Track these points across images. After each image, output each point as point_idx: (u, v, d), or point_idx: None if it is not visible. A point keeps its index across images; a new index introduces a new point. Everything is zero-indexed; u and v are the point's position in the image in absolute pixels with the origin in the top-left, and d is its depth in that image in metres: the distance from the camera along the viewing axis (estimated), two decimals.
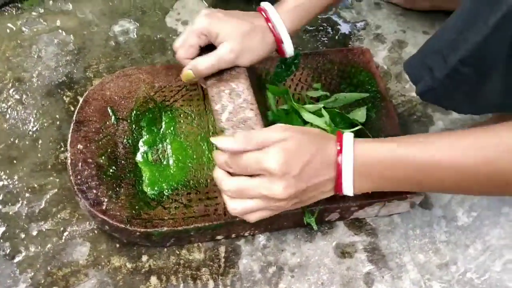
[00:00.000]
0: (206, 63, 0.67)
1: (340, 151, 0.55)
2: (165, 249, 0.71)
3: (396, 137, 0.59)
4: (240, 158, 0.55)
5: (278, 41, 0.69)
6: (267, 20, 0.69)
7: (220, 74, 0.70)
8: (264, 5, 0.70)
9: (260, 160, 0.53)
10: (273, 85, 0.77)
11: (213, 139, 0.56)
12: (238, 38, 0.66)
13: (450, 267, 0.72)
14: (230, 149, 0.55)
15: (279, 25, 0.68)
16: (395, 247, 0.73)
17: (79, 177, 0.68)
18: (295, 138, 0.54)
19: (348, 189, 0.57)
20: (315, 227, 0.69)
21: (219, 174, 0.57)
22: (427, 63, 0.63)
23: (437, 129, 0.86)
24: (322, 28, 0.98)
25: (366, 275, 0.71)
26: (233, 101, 0.68)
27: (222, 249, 0.71)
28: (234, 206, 0.56)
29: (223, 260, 0.71)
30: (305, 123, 0.72)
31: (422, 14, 1.01)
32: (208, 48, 0.68)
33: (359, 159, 0.55)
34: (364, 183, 0.57)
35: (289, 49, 0.71)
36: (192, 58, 0.68)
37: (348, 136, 0.57)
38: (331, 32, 0.97)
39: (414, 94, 0.89)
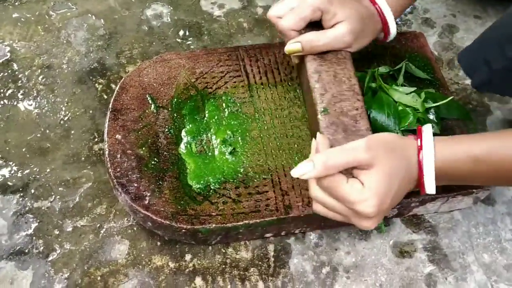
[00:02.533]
0: (324, 40, 0.63)
1: (420, 148, 0.53)
2: (210, 248, 0.65)
3: (473, 134, 0.56)
4: (330, 189, 0.51)
5: (386, 26, 0.67)
6: (373, 3, 0.66)
7: (323, 53, 0.65)
8: None
9: (352, 202, 0.50)
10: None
11: (292, 171, 0.52)
12: (358, 21, 0.62)
13: None
14: (309, 177, 0.51)
15: (386, 9, 0.66)
16: (457, 246, 0.68)
17: (118, 169, 0.63)
18: (382, 164, 0.50)
19: (430, 187, 0.53)
20: (383, 229, 0.63)
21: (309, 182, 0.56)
22: (483, 55, 0.62)
23: (495, 119, 0.80)
24: None
25: (427, 277, 0.65)
26: (338, 85, 0.63)
27: (271, 247, 0.66)
28: (319, 210, 0.56)
29: (272, 259, 0.65)
30: (395, 102, 0.68)
31: None
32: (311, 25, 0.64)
33: (439, 156, 0.53)
34: (444, 180, 0.54)
35: (393, 33, 0.69)
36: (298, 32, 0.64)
37: (427, 132, 0.54)
38: None
39: (468, 82, 0.83)
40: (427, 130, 0.54)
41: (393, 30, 0.68)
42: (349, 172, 0.52)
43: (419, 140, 0.53)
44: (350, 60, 0.66)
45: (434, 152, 0.52)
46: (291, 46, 0.64)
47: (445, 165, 0.52)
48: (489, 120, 0.80)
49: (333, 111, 0.61)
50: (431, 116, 0.66)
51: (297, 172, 0.51)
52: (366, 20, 0.64)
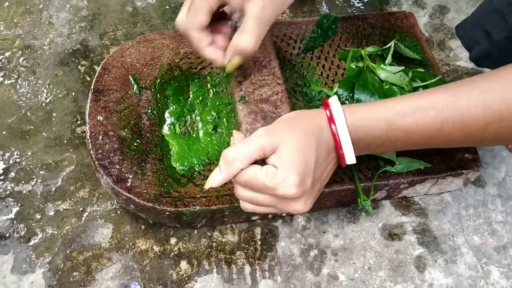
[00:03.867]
0: (251, 39, 0.53)
1: (331, 118, 0.50)
2: (195, 231, 0.64)
3: (391, 98, 0.53)
4: (247, 182, 0.48)
5: None
6: None
7: None
8: None
9: (272, 188, 0.47)
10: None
11: (205, 185, 0.49)
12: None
13: (509, 250, 0.65)
14: (218, 182, 0.48)
15: None
16: (447, 228, 0.67)
17: (100, 151, 0.61)
18: (287, 140, 0.48)
19: (350, 156, 0.51)
20: (371, 211, 0.62)
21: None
22: (483, 25, 0.58)
23: None
24: None
25: (417, 259, 0.64)
26: (258, 70, 0.60)
27: (257, 230, 0.65)
28: (247, 207, 0.52)
29: (259, 242, 0.64)
30: (381, 81, 0.66)
31: None
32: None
33: (351, 123, 0.50)
34: (362, 147, 0.52)
35: None
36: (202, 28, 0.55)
37: (334, 101, 0.51)
38: None
39: (459, 63, 0.82)
40: (334, 100, 0.51)
41: None
42: (264, 163, 0.49)
43: (327, 110, 0.50)
44: (271, 43, 0.62)
45: (345, 118, 0.50)
46: (231, 63, 0.56)
47: (359, 131, 0.50)
48: None
49: (252, 99, 0.58)
50: None
51: (208, 184, 0.49)
52: None
